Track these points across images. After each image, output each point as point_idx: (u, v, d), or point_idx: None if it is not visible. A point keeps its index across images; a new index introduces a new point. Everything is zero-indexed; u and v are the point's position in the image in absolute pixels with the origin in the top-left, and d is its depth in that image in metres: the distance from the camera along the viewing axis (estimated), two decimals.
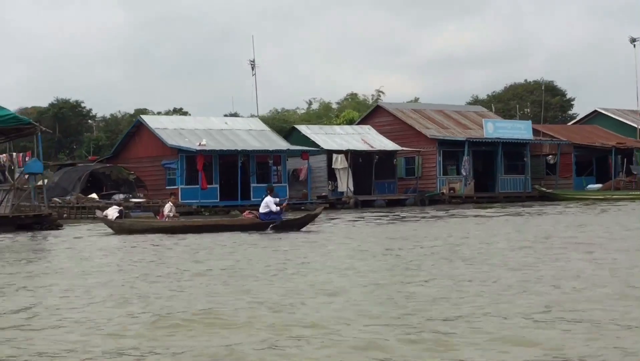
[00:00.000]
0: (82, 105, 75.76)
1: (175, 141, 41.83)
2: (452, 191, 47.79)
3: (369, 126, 51.65)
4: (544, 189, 49.93)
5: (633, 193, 47.17)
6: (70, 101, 73.94)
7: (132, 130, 46.15)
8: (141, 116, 47.67)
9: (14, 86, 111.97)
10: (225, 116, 59.41)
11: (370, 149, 47.26)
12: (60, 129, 68.61)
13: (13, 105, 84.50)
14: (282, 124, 56.79)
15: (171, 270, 14.10)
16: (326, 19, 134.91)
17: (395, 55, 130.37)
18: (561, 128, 59.05)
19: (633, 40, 59.88)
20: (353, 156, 46.54)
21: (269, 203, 23.49)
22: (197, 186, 40.26)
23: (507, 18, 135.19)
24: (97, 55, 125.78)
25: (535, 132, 53.09)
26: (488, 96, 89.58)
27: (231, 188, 42.15)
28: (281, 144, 45.26)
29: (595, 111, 62.60)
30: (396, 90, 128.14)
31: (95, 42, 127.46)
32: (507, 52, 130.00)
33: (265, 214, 23.55)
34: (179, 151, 40.93)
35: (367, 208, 43.37)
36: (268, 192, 24.29)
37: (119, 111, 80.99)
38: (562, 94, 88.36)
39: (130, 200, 39.58)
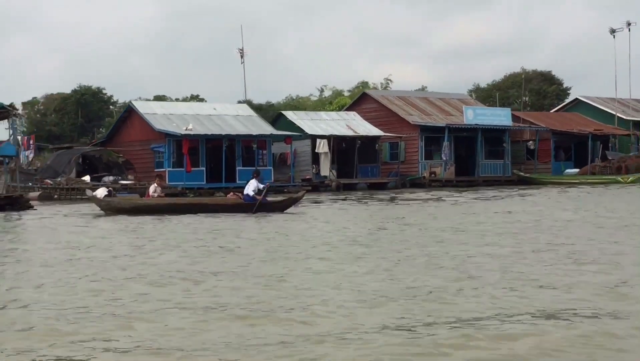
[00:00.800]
0: (104, 92, 77.44)
1: (163, 126, 42.84)
2: (433, 175, 48.82)
3: (354, 113, 52.65)
4: (522, 173, 50.94)
5: (605, 177, 48.15)
6: (93, 87, 75.58)
7: (124, 115, 47.48)
8: (132, 101, 48.70)
9: (46, 74, 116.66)
10: (239, 102, 60.51)
11: (354, 134, 48.26)
12: (82, 114, 70.60)
13: (41, 92, 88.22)
14: (296, 110, 57.67)
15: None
16: (344, 12, 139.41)
17: (408, 46, 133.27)
18: (542, 115, 59.92)
19: (613, 31, 60.64)
20: (337, 141, 47.65)
21: (250, 187, 23.89)
22: (183, 169, 41.54)
23: (515, 11, 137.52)
24: (127, 46, 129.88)
25: (517, 118, 54.19)
26: (488, 84, 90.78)
27: (218, 171, 43.36)
28: (266, 129, 46.25)
29: (577, 99, 63.66)
30: (410, 79, 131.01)
31: (126, 33, 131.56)
32: (515, 44, 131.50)
33: (249, 195, 23.88)
34: (167, 135, 41.97)
35: (350, 190, 44.51)
36: (254, 175, 24.50)
37: (140, 98, 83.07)
38: (559, 83, 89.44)
39: (119, 182, 40.83)
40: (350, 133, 48.25)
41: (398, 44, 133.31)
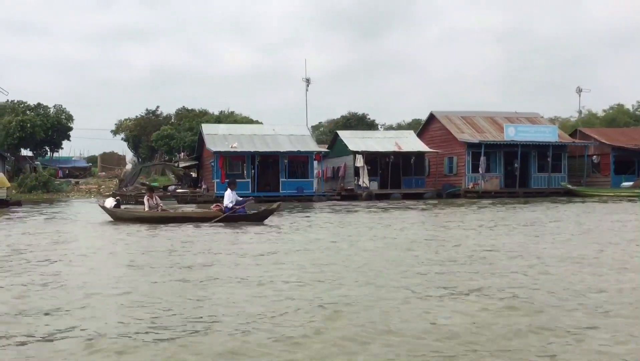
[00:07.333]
0: (368, 117, 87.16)
1: (216, 145, 45.65)
2: (475, 187, 47.73)
3: (410, 131, 52.71)
4: (569, 186, 48.20)
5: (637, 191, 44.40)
6: (358, 113, 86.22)
7: (200, 136, 51.75)
8: (202, 125, 52.51)
9: (410, 105, 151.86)
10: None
11: (397, 150, 48.55)
12: None
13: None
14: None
15: None
16: None
17: None
18: (612, 131, 55.53)
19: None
20: (381, 156, 48.33)
21: (227, 198, 22.17)
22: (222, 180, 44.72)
23: None
24: (475, 80, 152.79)
25: (583, 135, 51.64)
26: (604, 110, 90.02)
27: (268, 182, 46.40)
28: (311, 147, 47.80)
29: None
30: None
31: (474, 70, 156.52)
32: None
33: (228, 207, 21.96)
34: (214, 152, 45.33)
35: (384, 199, 44.74)
36: (229, 186, 22.55)
37: (403, 121, 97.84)
38: None
39: (176, 190, 45.27)
40: (394, 149, 48.49)
41: None
